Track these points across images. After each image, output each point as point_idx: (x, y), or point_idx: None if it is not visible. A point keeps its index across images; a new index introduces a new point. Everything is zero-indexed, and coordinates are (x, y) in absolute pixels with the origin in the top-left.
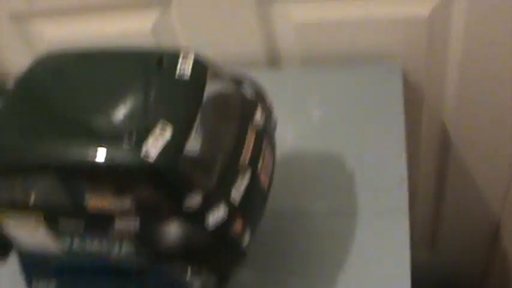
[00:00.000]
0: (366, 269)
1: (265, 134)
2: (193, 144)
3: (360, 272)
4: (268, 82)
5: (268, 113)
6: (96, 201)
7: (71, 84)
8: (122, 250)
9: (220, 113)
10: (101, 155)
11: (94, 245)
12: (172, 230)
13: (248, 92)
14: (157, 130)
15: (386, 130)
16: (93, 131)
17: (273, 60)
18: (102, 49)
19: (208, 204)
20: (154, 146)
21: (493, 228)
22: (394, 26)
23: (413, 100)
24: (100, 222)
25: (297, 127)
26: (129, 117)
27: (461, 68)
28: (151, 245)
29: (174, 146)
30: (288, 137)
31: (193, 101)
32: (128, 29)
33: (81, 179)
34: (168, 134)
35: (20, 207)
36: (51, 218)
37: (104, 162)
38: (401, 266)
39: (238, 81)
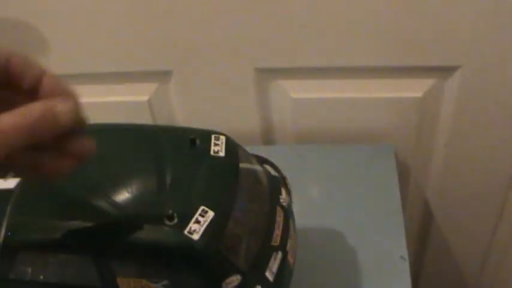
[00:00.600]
0: None
1: (291, 211)
2: (233, 225)
3: None
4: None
5: (289, 191)
6: (130, 282)
7: (103, 162)
8: None
9: (253, 192)
10: (141, 234)
11: None
12: None
13: (271, 170)
14: (198, 211)
15: (384, 209)
16: (128, 209)
17: (268, 137)
18: (127, 125)
19: (245, 284)
20: (197, 226)
21: None
22: (387, 106)
23: (400, 177)
24: None
25: (295, 204)
26: (168, 197)
27: (448, 148)
28: None
29: (217, 227)
30: None
31: (231, 178)
32: (124, 100)
33: (116, 258)
34: (210, 215)
35: None
36: None
37: (147, 241)
38: None
39: (261, 161)
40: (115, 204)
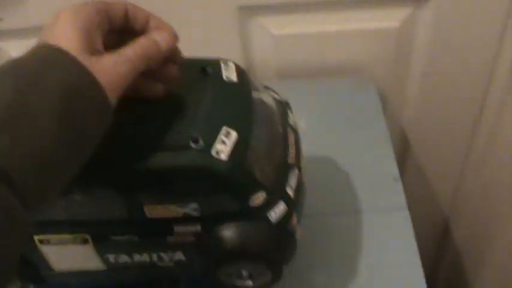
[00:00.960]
0: (378, 260)
1: (298, 132)
2: (254, 144)
3: (372, 262)
4: None
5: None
6: (157, 208)
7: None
8: (173, 259)
9: (266, 115)
10: (169, 158)
11: (143, 258)
12: (236, 230)
13: (275, 94)
14: (222, 132)
15: (372, 135)
16: (153, 137)
17: (251, 75)
18: None
19: (270, 201)
20: (223, 147)
21: (441, 224)
22: (366, 37)
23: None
24: (156, 234)
25: None
26: (190, 122)
27: (423, 75)
28: (210, 250)
29: (241, 147)
30: None
31: (247, 101)
32: None
33: (143, 185)
34: (233, 135)
35: (67, 229)
36: (101, 236)
37: (175, 166)
38: (411, 255)
39: (266, 87)
40: (139, 132)
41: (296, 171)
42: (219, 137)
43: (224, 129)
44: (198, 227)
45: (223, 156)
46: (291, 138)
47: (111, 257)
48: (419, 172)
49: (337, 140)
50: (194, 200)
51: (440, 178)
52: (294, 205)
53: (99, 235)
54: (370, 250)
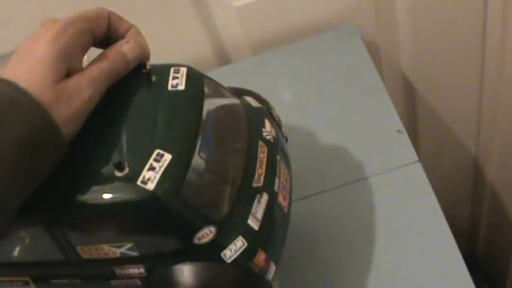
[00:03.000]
0: (398, 222)
1: (278, 146)
2: (198, 167)
3: (392, 226)
4: (226, 79)
5: (277, 123)
6: (91, 250)
7: None
8: None
9: (225, 129)
10: (90, 192)
11: None
12: (186, 273)
13: (252, 102)
14: (153, 156)
15: (367, 89)
16: (74, 164)
17: (223, 58)
18: None
19: (223, 237)
20: (151, 174)
21: (471, 166)
22: None
23: (371, 56)
24: (97, 277)
25: (283, 108)
26: (117, 144)
27: (410, 16)
28: None
29: (176, 172)
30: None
31: (193, 114)
32: None
33: (67, 225)
34: (166, 159)
35: (6, 272)
36: (41, 279)
37: (98, 201)
38: (432, 208)
39: (238, 93)
40: (64, 161)
41: (265, 196)
42: (148, 162)
43: (156, 152)
44: (141, 269)
45: (150, 185)
46: (261, 155)
47: None
48: (433, 116)
49: (329, 103)
50: (127, 238)
51: (456, 117)
52: (259, 240)
53: (40, 278)
54: (387, 215)
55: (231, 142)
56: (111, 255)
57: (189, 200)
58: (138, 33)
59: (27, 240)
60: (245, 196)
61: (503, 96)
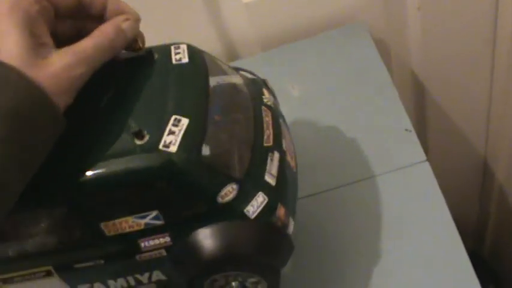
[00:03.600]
0: (404, 218)
1: (278, 112)
2: (213, 130)
3: (399, 225)
4: None
5: (272, 93)
6: (115, 224)
7: None
8: (153, 280)
9: (230, 97)
10: (112, 164)
11: (120, 284)
12: (212, 235)
13: (247, 74)
14: (171, 121)
15: (376, 88)
16: (96, 143)
17: (231, 54)
18: None
19: (244, 194)
20: (172, 138)
21: (480, 164)
22: None
23: (380, 54)
24: (122, 254)
25: (285, 110)
26: (135, 117)
27: (420, 14)
28: (189, 262)
29: (195, 134)
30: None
31: (201, 83)
32: None
33: (91, 200)
34: (183, 125)
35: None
36: (64, 266)
37: (118, 171)
38: (439, 208)
39: (234, 69)
40: (78, 138)
41: (276, 154)
42: (167, 127)
43: (173, 118)
44: (167, 238)
45: (173, 148)
46: (267, 118)
47: (85, 287)
48: (442, 113)
49: (338, 101)
50: (152, 207)
51: (466, 115)
52: (277, 195)
53: (62, 265)
54: (394, 214)
55: (238, 108)
56: (135, 228)
57: (210, 160)
58: (122, 3)
59: (47, 226)
60: (258, 155)
61: None
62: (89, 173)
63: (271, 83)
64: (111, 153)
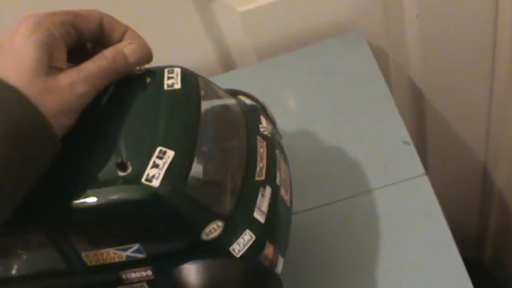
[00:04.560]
0: (402, 237)
1: (276, 141)
2: (201, 163)
3: (396, 241)
4: (231, 85)
5: (271, 120)
6: (96, 255)
7: None
8: None
9: (223, 125)
10: (93, 194)
11: None
12: (195, 272)
13: (246, 100)
14: (155, 153)
15: (374, 99)
16: (79, 172)
17: (227, 64)
18: None
19: (230, 231)
20: (155, 171)
21: (480, 172)
22: None
23: (378, 63)
24: (104, 284)
25: (281, 123)
26: (118, 144)
27: (419, 22)
28: None
29: (180, 168)
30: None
31: (191, 112)
32: None
33: (73, 230)
34: (169, 157)
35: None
36: None
37: (99, 202)
38: (437, 222)
39: (232, 93)
40: (62, 165)
41: (268, 189)
42: (151, 159)
43: (159, 149)
44: (148, 272)
45: (156, 182)
46: (261, 150)
47: None
48: (442, 122)
49: (335, 112)
50: (134, 240)
51: (465, 124)
52: (266, 232)
53: None
54: (392, 228)
55: (230, 138)
56: (117, 259)
57: (194, 195)
58: (138, 35)
59: (28, 252)
60: (249, 190)
61: None
62: (69, 202)
63: (267, 92)
64: (93, 183)
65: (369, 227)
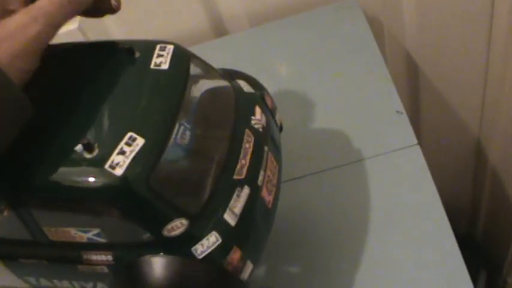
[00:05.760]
0: (394, 206)
1: (267, 136)
2: (173, 155)
3: (388, 209)
4: (223, 51)
5: (271, 111)
6: (58, 232)
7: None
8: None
9: (209, 114)
10: (55, 172)
11: (64, 285)
12: (153, 266)
13: (244, 87)
14: (124, 139)
15: (368, 67)
16: (46, 146)
17: (220, 30)
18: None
19: (195, 231)
20: (121, 158)
21: (473, 146)
22: None
23: (374, 33)
24: (64, 260)
25: (278, 82)
26: (89, 123)
27: None
28: (131, 285)
29: (147, 158)
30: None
31: (173, 97)
32: None
33: (35, 204)
34: (138, 145)
35: None
36: (10, 257)
37: (59, 181)
38: (429, 192)
39: (230, 75)
40: (30, 137)
41: (246, 190)
42: (119, 145)
43: (129, 135)
44: (109, 257)
45: (119, 171)
46: (247, 145)
47: (32, 280)
48: (436, 96)
49: (327, 80)
50: (93, 224)
51: (460, 98)
52: (235, 236)
53: (8, 256)
54: (383, 198)
55: (214, 129)
56: (78, 239)
57: (160, 189)
58: None
59: None
60: (224, 189)
61: (509, 78)
62: (31, 176)
63: (259, 59)
64: (57, 160)
65: (360, 196)
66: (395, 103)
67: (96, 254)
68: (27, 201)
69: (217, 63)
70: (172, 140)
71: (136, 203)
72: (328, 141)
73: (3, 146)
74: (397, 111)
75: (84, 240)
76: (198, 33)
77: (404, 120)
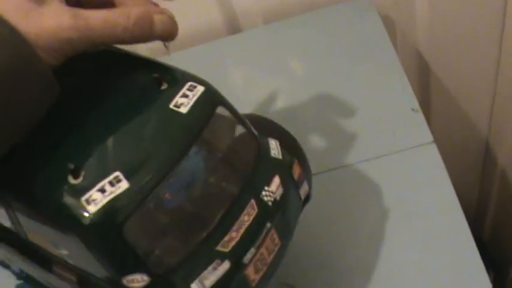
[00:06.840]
0: (409, 200)
1: (276, 211)
2: (155, 208)
3: (404, 207)
4: (236, 48)
5: (296, 182)
6: (35, 236)
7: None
8: None
9: (215, 174)
10: (37, 187)
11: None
12: None
13: (273, 149)
14: (109, 177)
15: (383, 65)
16: (40, 158)
17: (234, 26)
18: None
19: None
20: (99, 196)
21: (482, 147)
22: None
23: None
24: (39, 262)
25: (292, 80)
26: (86, 151)
27: None
28: None
29: (125, 203)
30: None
31: (177, 148)
32: None
33: (19, 211)
34: (120, 188)
35: None
36: None
37: (36, 197)
38: (446, 190)
39: (265, 131)
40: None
41: (225, 265)
42: (103, 181)
43: (115, 175)
44: (73, 278)
45: (92, 208)
46: (245, 217)
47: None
48: (447, 94)
49: (342, 78)
50: (63, 247)
51: (470, 97)
52: None
53: None
54: (399, 195)
55: (215, 192)
56: (52, 251)
57: (129, 238)
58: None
59: None
60: (201, 257)
61: None
62: (16, 184)
63: (272, 57)
64: (44, 176)
65: (375, 194)
66: (411, 101)
67: (65, 270)
68: (11, 201)
69: (230, 60)
70: (159, 193)
71: (101, 246)
72: (343, 139)
73: (29, 125)
74: (413, 109)
75: (56, 253)
76: (211, 30)
77: (420, 118)
